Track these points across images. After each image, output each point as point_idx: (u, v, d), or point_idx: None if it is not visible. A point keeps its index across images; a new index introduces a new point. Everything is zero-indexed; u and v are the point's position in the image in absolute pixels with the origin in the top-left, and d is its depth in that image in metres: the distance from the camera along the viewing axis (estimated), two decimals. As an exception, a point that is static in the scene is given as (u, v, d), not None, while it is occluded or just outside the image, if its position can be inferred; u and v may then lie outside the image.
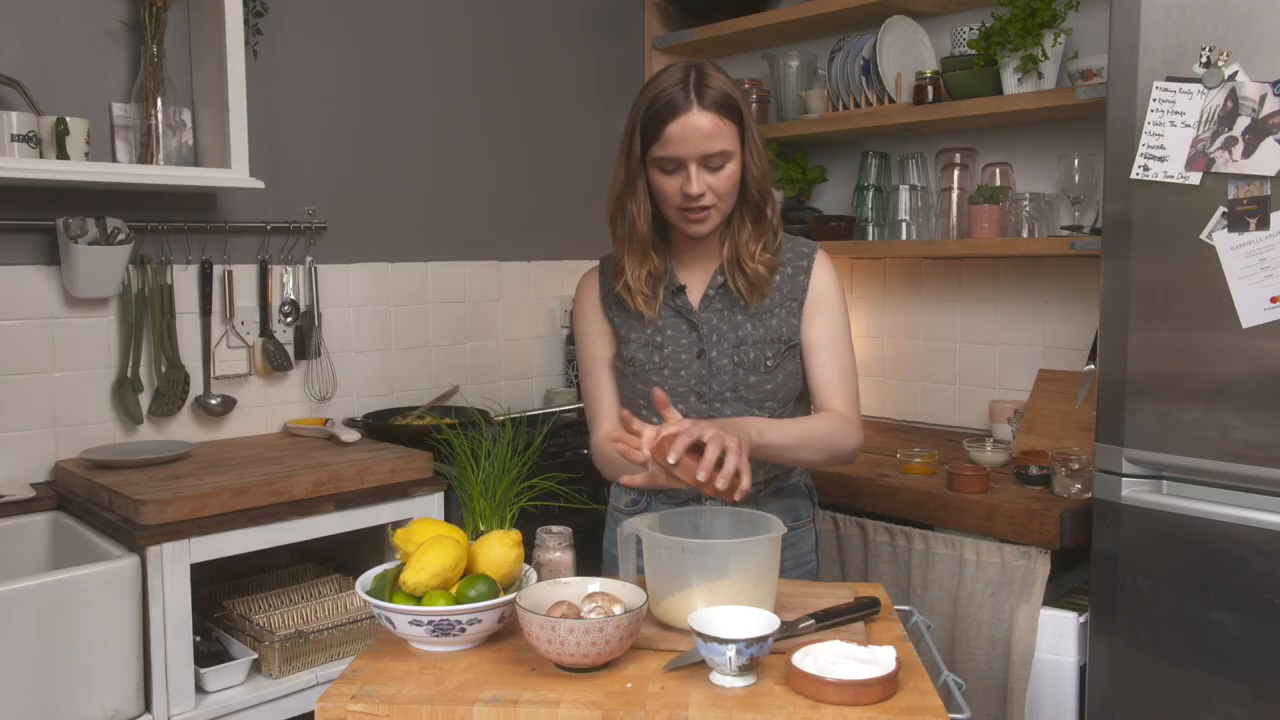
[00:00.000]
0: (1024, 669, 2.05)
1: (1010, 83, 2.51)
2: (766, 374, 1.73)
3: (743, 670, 1.25)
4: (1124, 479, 1.93)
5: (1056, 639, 2.04)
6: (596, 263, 1.89)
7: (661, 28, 3.36)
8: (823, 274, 1.78)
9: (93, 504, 2.05)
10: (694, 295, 1.77)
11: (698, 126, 1.62)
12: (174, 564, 1.89)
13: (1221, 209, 1.78)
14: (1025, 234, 2.58)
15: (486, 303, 3.05)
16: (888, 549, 2.28)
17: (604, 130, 3.31)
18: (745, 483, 1.41)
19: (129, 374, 2.34)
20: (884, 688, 1.21)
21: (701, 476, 1.38)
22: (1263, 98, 1.73)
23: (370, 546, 2.30)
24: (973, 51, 2.56)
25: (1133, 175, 1.87)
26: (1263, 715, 1.77)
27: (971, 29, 2.61)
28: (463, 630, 1.34)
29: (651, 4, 3.34)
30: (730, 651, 1.23)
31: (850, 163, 3.08)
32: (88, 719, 1.80)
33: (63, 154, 2.14)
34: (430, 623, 1.33)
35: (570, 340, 3.15)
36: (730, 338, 1.74)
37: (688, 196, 1.65)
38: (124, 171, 2.26)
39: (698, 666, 1.30)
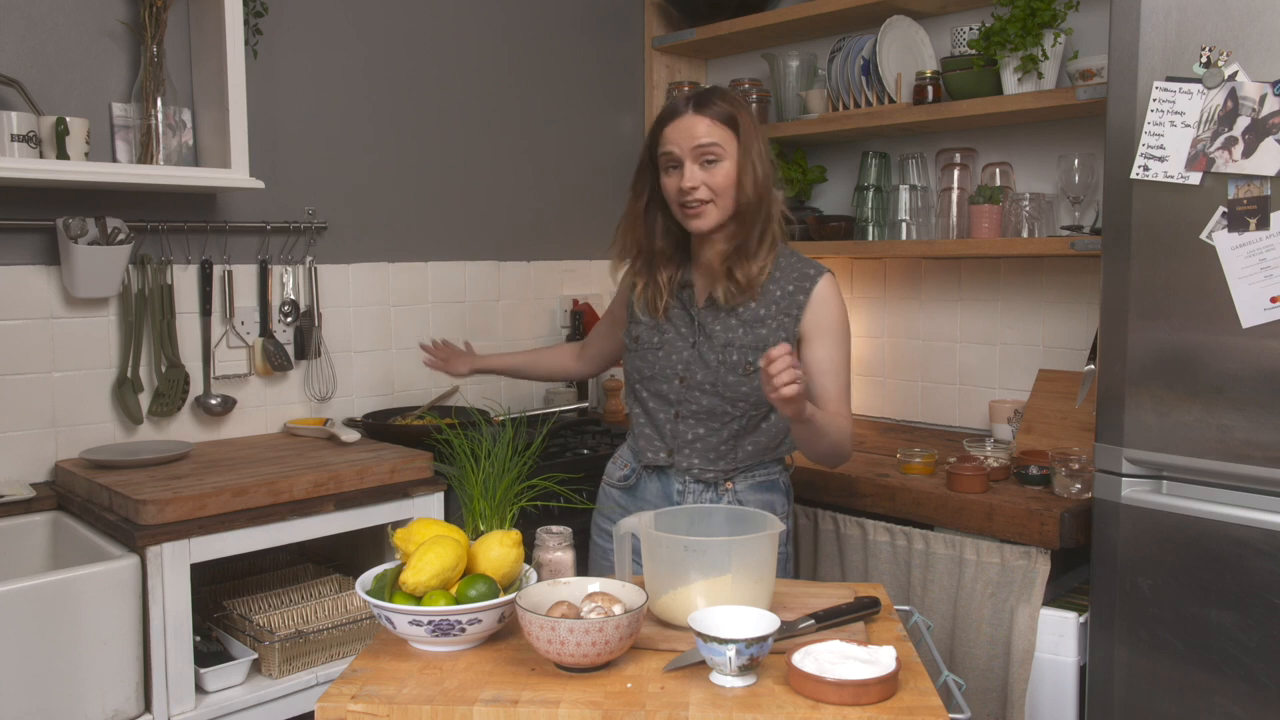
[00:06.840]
0: (1024, 669, 2.05)
1: (1010, 83, 2.51)
2: (744, 377, 1.89)
3: (743, 670, 1.25)
4: (1124, 479, 1.93)
5: (1056, 639, 2.04)
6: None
7: (661, 28, 3.36)
8: (827, 301, 1.92)
9: (93, 504, 2.05)
10: (700, 295, 1.96)
11: (691, 126, 1.86)
12: (174, 564, 1.89)
13: (1221, 209, 1.78)
14: (1025, 234, 2.58)
15: (486, 303, 3.05)
16: (888, 549, 2.28)
17: (604, 130, 3.32)
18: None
19: (129, 374, 2.34)
20: (884, 688, 1.22)
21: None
22: (1263, 98, 1.73)
23: (370, 546, 2.30)
24: (973, 51, 2.56)
25: (1133, 175, 1.87)
26: (1263, 715, 1.77)
27: (971, 29, 2.61)
28: (463, 630, 1.35)
29: (651, 4, 3.34)
30: (730, 651, 1.23)
31: (850, 163, 3.08)
32: (88, 719, 1.80)
33: (63, 154, 2.13)
34: (430, 623, 1.33)
35: (570, 340, 3.15)
36: (720, 338, 1.91)
37: (682, 191, 1.86)
38: (124, 171, 2.25)
39: (698, 666, 1.30)
